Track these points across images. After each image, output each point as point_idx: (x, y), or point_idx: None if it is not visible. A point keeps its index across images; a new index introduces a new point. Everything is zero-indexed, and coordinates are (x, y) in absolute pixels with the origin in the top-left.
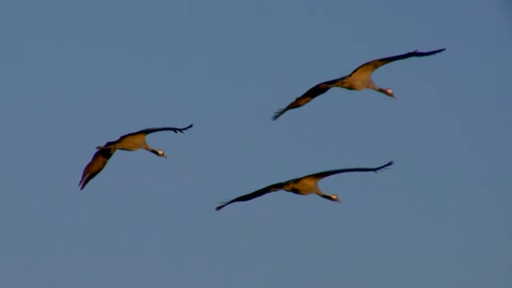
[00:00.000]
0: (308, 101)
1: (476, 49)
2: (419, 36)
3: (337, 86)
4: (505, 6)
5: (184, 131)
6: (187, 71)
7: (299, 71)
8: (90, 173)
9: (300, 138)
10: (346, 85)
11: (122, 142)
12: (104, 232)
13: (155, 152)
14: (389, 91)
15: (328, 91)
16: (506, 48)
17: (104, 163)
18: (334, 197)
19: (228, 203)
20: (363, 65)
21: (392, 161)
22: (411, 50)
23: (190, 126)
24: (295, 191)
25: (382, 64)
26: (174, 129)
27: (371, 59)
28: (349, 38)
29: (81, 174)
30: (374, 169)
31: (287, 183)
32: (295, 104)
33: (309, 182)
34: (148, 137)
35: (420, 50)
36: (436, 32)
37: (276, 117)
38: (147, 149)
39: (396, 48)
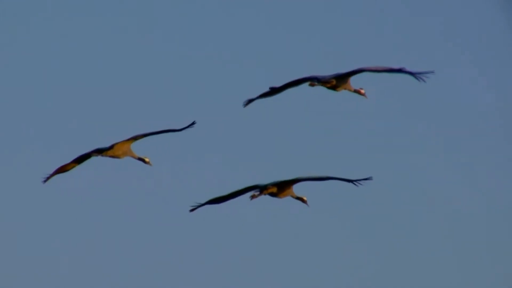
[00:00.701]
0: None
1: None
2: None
3: (322, 85)
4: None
5: (184, 130)
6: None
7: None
8: (60, 171)
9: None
10: (328, 85)
11: (113, 149)
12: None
13: (142, 160)
14: (362, 91)
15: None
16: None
17: (76, 165)
18: (304, 198)
19: (202, 205)
20: (353, 71)
21: (371, 176)
22: (400, 67)
23: (192, 124)
24: (272, 194)
25: (370, 71)
26: (173, 130)
27: (361, 65)
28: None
29: (52, 171)
30: (353, 181)
31: (265, 187)
32: (268, 94)
33: (286, 188)
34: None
35: (408, 68)
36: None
37: (246, 104)
38: (133, 157)
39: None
